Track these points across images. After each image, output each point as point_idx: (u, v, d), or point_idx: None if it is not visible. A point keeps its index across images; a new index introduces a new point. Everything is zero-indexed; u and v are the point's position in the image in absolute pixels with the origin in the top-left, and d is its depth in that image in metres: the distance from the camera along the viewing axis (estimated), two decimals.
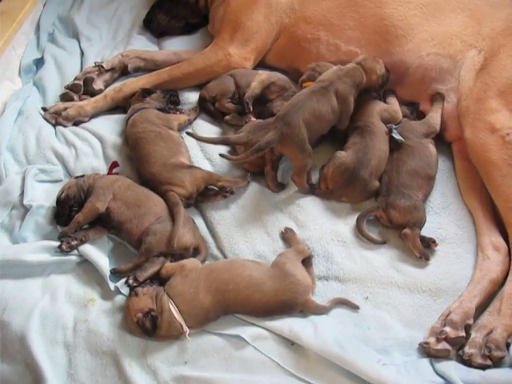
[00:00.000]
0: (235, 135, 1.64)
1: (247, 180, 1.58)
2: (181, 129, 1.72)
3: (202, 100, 1.81)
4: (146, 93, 1.75)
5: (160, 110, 1.72)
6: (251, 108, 1.74)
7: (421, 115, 1.76)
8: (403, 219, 1.49)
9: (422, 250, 1.48)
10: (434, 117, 1.69)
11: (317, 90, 1.60)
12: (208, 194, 1.56)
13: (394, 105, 1.73)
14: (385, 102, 1.76)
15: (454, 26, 1.78)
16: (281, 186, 1.61)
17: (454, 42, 1.77)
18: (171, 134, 1.64)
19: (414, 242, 1.48)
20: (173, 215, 1.45)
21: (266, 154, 1.56)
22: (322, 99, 1.58)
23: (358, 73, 1.65)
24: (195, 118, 1.78)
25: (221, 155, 1.56)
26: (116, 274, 1.41)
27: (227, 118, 1.76)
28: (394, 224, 1.51)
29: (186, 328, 1.28)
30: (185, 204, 1.50)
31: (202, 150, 1.68)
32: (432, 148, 1.65)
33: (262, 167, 1.61)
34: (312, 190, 1.58)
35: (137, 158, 1.60)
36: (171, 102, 1.78)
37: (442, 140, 1.73)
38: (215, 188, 1.55)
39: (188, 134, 1.61)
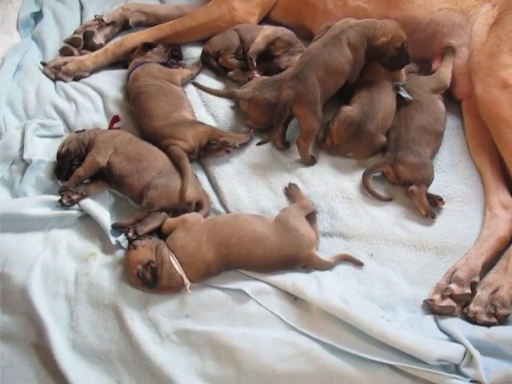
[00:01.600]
0: (240, 90, 1.60)
1: (250, 135, 1.55)
2: (183, 83, 1.68)
3: (205, 55, 1.76)
4: (147, 47, 1.71)
5: (162, 64, 1.68)
6: (255, 64, 1.70)
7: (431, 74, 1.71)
8: (411, 176, 1.46)
9: (429, 208, 1.45)
10: (445, 71, 1.64)
11: (328, 41, 1.54)
12: (211, 148, 1.53)
13: None
14: None
15: None
16: (287, 144, 1.57)
17: None
18: (173, 88, 1.61)
19: (420, 199, 1.45)
20: (179, 169, 1.43)
21: None
22: (334, 51, 1.52)
23: (371, 25, 1.58)
24: (198, 73, 1.73)
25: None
26: (117, 228, 1.39)
27: (230, 73, 1.72)
28: (402, 180, 1.48)
29: (186, 281, 1.26)
30: (187, 159, 1.47)
31: (206, 106, 1.65)
32: (441, 104, 1.61)
33: (265, 124, 1.58)
34: (313, 161, 1.54)
35: (138, 113, 1.57)
36: (173, 56, 1.74)
37: (451, 98, 1.68)
38: (218, 143, 1.52)
39: (194, 83, 1.58)
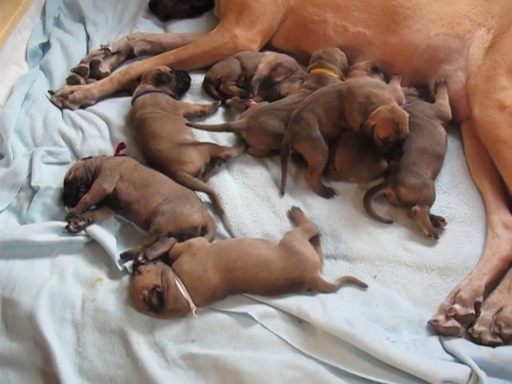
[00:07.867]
0: (236, 121, 1.64)
1: (242, 146, 1.62)
2: (189, 117, 1.68)
3: (206, 82, 1.80)
4: (162, 79, 1.70)
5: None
6: (256, 92, 1.74)
7: (431, 99, 1.73)
8: (413, 197, 1.48)
9: (432, 228, 1.47)
10: (444, 103, 1.67)
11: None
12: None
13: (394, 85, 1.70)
14: None
15: (462, 6, 1.76)
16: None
17: (463, 22, 1.75)
18: (177, 116, 1.64)
19: (423, 219, 1.47)
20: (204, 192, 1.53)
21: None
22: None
23: (376, 100, 1.49)
24: (214, 112, 1.72)
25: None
26: (126, 257, 1.40)
27: (228, 101, 1.74)
28: (403, 202, 1.50)
29: (192, 305, 1.27)
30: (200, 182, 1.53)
31: (209, 132, 1.67)
32: (441, 128, 1.63)
33: (265, 150, 1.63)
34: (330, 194, 1.54)
35: (143, 136, 1.60)
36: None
37: (451, 120, 1.71)
38: (220, 158, 1.58)
39: (188, 124, 1.61)
